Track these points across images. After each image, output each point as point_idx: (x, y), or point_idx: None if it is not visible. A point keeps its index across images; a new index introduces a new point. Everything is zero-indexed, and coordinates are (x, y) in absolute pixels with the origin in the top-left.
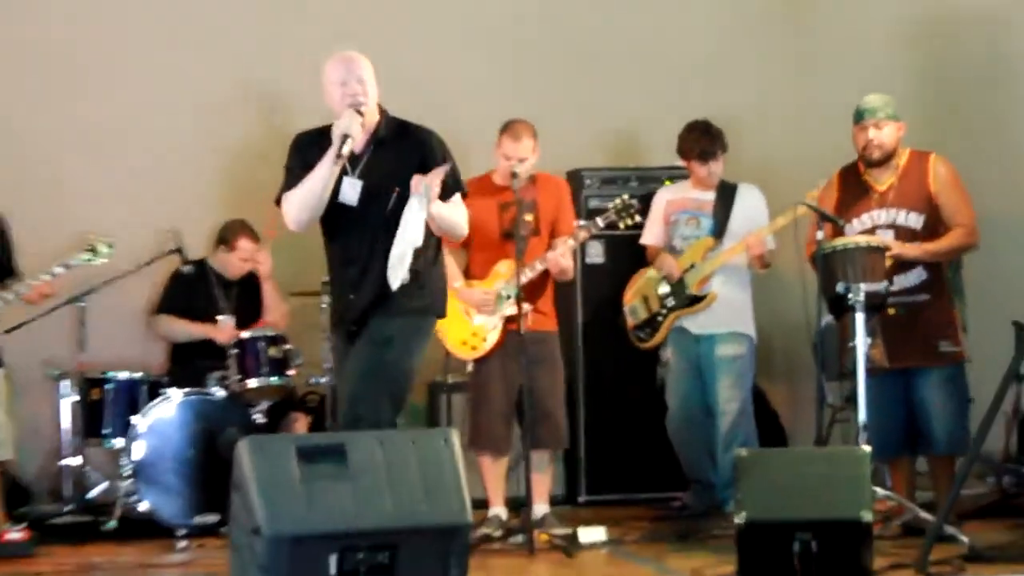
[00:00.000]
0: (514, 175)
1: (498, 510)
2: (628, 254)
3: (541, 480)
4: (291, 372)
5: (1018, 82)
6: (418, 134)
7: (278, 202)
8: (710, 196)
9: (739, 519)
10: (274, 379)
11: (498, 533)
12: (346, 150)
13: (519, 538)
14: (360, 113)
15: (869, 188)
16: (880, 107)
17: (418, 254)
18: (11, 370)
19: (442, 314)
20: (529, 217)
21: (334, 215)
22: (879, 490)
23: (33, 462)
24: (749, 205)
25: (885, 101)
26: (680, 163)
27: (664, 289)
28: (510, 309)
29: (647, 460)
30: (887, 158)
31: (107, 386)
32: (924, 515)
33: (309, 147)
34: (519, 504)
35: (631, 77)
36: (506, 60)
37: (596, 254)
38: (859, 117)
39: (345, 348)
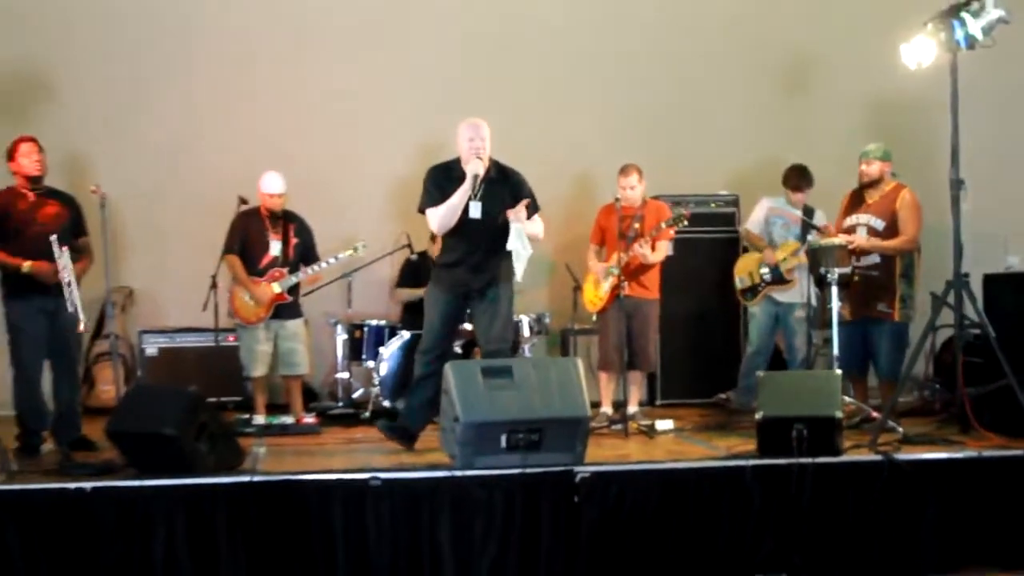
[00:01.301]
0: (616, 200)
1: (607, 409)
2: (687, 250)
3: (634, 390)
4: None
5: (940, 149)
6: (513, 175)
7: (421, 211)
8: (798, 212)
9: (759, 415)
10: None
11: (605, 423)
12: (477, 184)
13: (619, 426)
14: (480, 159)
15: (863, 200)
16: (872, 151)
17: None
18: (308, 319)
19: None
20: (637, 225)
21: (462, 224)
22: (846, 398)
23: (320, 376)
24: (818, 222)
25: (877, 147)
26: (719, 191)
27: (764, 271)
28: (610, 280)
29: (700, 378)
30: (874, 183)
31: (365, 329)
32: (874, 414)
33: (441, 175)
34: (619, 405)
35: (690, 133)
36: (614, 124)
37: (668, 249)
38: (861, 156)
39: (456, 303)
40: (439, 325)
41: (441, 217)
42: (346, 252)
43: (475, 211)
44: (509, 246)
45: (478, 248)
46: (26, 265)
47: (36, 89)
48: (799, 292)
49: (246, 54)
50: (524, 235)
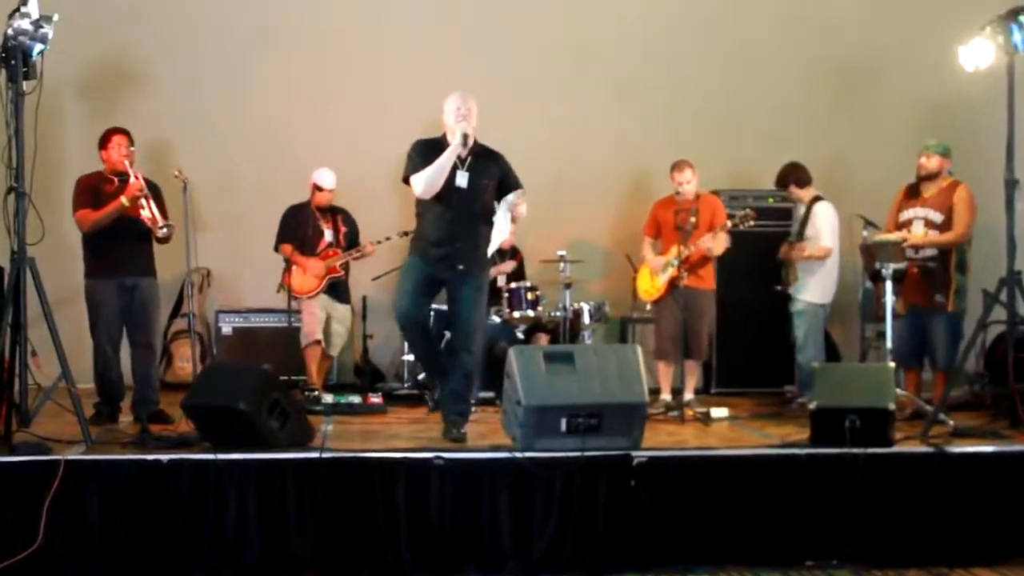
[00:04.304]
0: (677, 193)
1: (665, 396)
2: (745, 243)
3: (691, 378)
4: (539, 308)
5: (993, 150)
6: (495, 154)
7: (406, 180)
8: (802, 208)
9: (812, 406)
10: (529, 312)
11: (662, 409)
12: (467, 142)
13: (676, 413)
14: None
15: (919, 193)
16: (932, 146)
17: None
18: (377, 303)
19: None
20: (693, 219)
21: (448, 193)
22: (898, 390)
23: (387, 358)
24: (813, 220)
25: (937, 143)
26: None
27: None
28: (670, 271)
29: (755, 367)
30: (932, 177)
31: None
32: (926, 407)
33: (426, 147)
34: (676, 392)
35: (750, 131)
36: (673, 123)
37: (727, 242)
38: (921, 149)
39: (435, 277)
40: (416, 292)
41: (428, 177)
42: (396, 235)
43: (462, 180)
44: (495, 218)
45: (461, 221)
46: (124, 200)
47: (121, 77)
48: (799, 288)
49: (319, 53)
50: (509, 220)
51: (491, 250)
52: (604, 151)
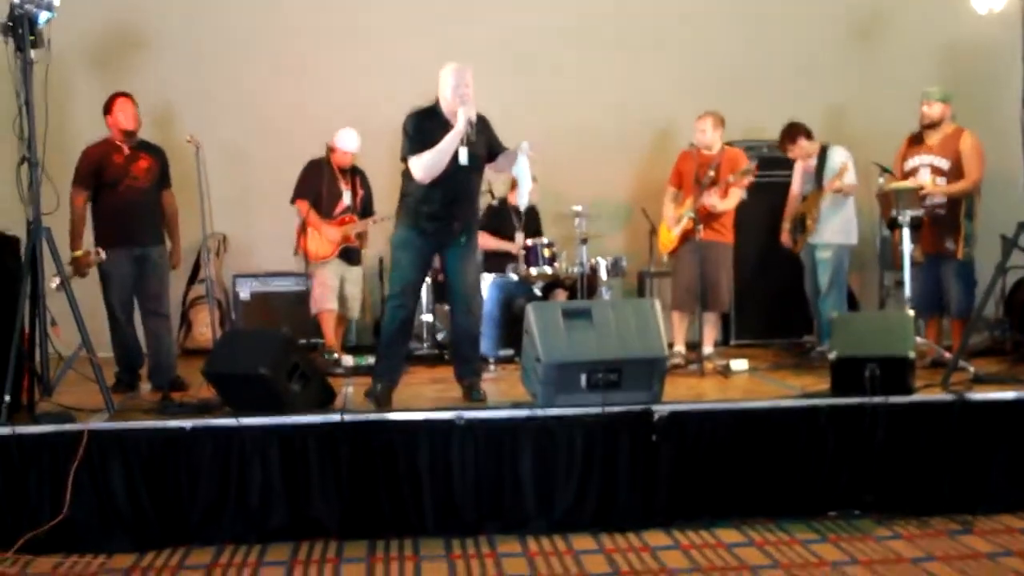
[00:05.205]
0: (692, 145)
1: (680, 348)
2: (761, 192)
3: (709, 330)
4: (556, 264)
5: (1004, 91)
6: (482, 118)
7: (404, 159)
8: (812, 161)
9: (832, 355)
10: (547, 269)
11: (681, 362)
12: (471, 128)
13: (694, 366)
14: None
15: (923, 141)
16: (933, 92)
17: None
18: (387, 264)
19: None
20: (712, 172)
21: (449, 171)
22: (918, 338)
23: None
24: (832, 159)
25: (938, 89)
26: None
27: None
28: (683, 223)
29: (773, 318)
30: (935, 125)
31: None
32: (946, 354)
33: (424, 120)
34: (694, 345)
35: (765, 83)
36: (690, 74)
37: (741, 195)
38: (922, 97)
39: (429, 245)
40: (416, 265)
41: (430, 162)
42: None
43: (463, 158)
44: (516, 171)
45: (463, 194)
46: (77, 254)
47: (131, 44)
48: (821, 232)
49: (329, 17)
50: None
51: (523, 204)
52: (619, 106)
